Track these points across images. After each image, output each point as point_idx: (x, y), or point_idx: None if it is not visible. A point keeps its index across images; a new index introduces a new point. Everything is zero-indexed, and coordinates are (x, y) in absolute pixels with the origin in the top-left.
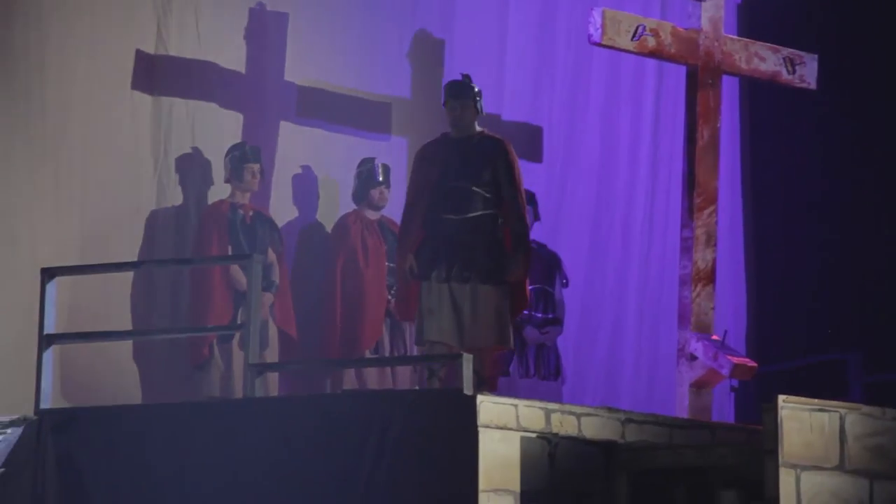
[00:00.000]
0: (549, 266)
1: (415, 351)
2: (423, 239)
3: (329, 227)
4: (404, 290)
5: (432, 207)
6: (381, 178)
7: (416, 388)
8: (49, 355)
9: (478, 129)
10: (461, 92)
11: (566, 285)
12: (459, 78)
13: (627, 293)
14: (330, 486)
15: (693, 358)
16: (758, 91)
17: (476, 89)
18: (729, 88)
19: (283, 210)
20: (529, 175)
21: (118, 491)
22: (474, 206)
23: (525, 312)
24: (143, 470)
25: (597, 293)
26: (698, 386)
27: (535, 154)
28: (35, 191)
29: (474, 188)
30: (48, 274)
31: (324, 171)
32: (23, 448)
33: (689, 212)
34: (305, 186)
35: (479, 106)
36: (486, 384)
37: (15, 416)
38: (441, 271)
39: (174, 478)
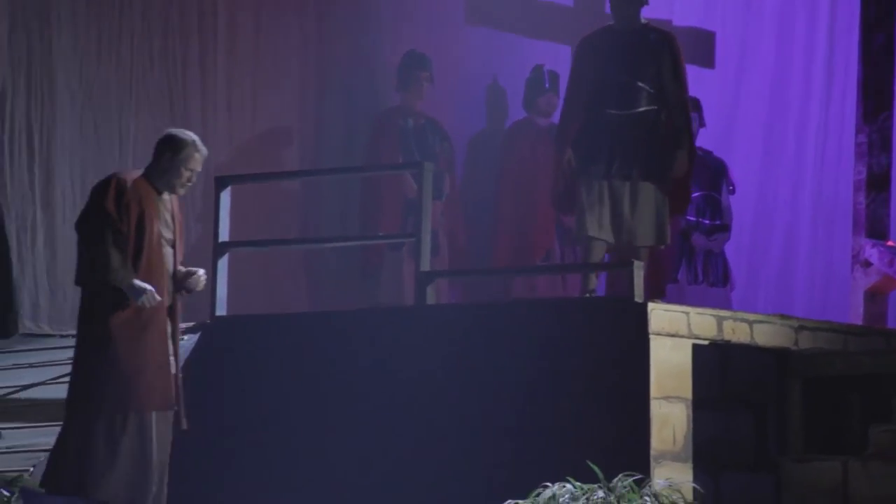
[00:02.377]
0: (715, 173)
1: None
2: (583, 133)
3: (499, 135)
4: (564, 184)
5: (594, 101)
6: (548, 85)
7: (587, 295)
8: (224, 263)
9: (643, 20)
10: None
11: (732, 192)
12: None
13: (801, 200)
14: (500, 394)
15: (867, 264)
16: None
17: None
18: None
19: (453, 118)
20: (701, 81)
21: (288, 397)
22: (638, 102)
23: (692, 219)
24: (313, 377)
25: (769, 200)
26: (873, 292)
27: (707, 59)
28: (208, 101)
29: (639, 83)
30: (221, 183)
31: (492, 77)
32: (199, 354)
33: (864, 117)
34: (475, 94)
35: None
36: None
37: (191, 323)
38: (601, 167)
39: (343, 385)
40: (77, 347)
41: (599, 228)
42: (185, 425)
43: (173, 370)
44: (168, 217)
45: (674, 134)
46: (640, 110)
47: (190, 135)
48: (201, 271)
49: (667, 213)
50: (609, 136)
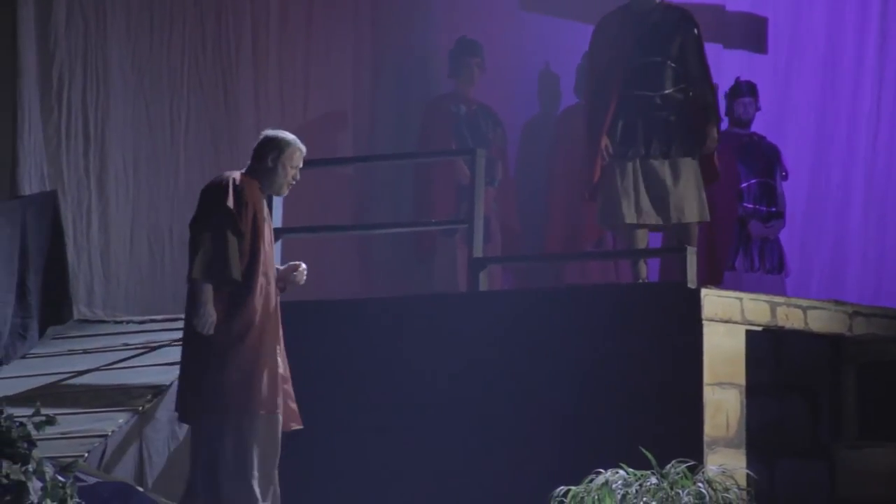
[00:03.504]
0: (770, 159)
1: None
2: (615, 118)
3: (552, 121)
4: (589, 172)
5: (624, 85)
6: None
7: (640, 281)
8: (277, 248)
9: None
10: None
11: (785, 178)
12: None
13: (854, 186)
14: (552, 381)
15: None
16: None
17: None
18: None
19: (506, 104)
20: (754, 66)
21: (339, 383)
22: (668, 82)
23: (750, 207)
24: (365, 363)
25: (822, 186)
26: None
27: (759, 45)
28: (260, 87)
29: (668, 62)
30: None
31: (545, 63)
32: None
33: None
34: (528, 79)
35: None
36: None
37: None
38: (639, 148)
39: (396, 370)
40: (192, 346)
41: (639, 214)
42: (299, 423)
43: (282, 370)
44: (269, 218)
45: (702, 110)
46: (669, 90)
47: (289, 134)
48: (303, 265)
49: (703, 189)
50: (642, 117)
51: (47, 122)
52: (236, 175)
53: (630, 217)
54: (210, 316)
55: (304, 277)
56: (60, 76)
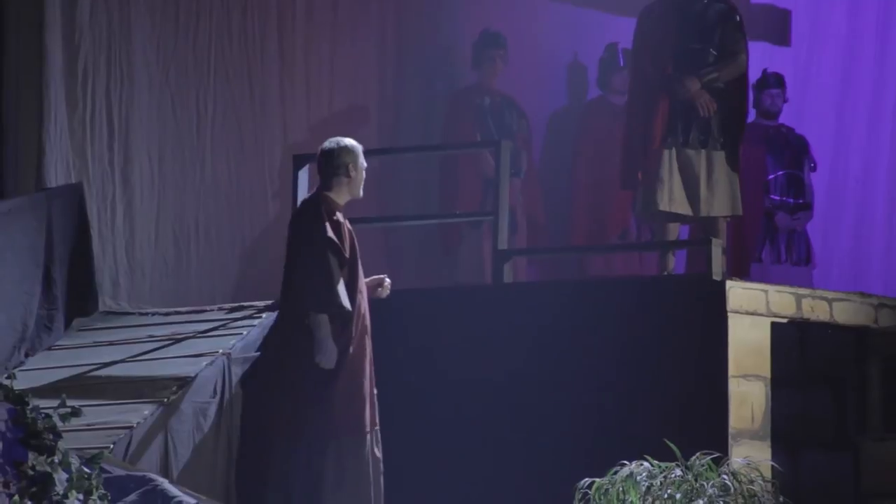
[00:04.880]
0: (797, 151)
1: None
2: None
3: (578, 112)
4: (632, 161)
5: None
6: (623, 64)
7: (665, 273)
8: None
9: None
10: None
11: (814, 169)
12: None
13: (875, 177)
14: (577, 372)
15: None
16: None
17: None
18: None
19: (532, 95)
20: (776, 58)
21: None
22: (708, 69)
23: (777, 198)
24: (391, 355)
25: (842, 177)
26: None
27: (782, 37)
28: (286, 79)
29: (710, 49)
30: (299, 161)
31: (573, 55)
32: (276, 332)
33: None
34: (555, 71)
35: None
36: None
37: (269, 302)
38: (678, 136)
39: (420, 362)
40: (300, 371)
41: (671, 202)
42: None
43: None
44: (352, 230)
45: (739, 102)
46: (713, 77)
47: (344, 139)
48: (387, 280)
49: (738, 183)
50: (684, 104)
51: (72, 114)
52: (322, 198)
53: (663, 204)
54: (334, 350)
55: (388, 292)
56: (85, 68)
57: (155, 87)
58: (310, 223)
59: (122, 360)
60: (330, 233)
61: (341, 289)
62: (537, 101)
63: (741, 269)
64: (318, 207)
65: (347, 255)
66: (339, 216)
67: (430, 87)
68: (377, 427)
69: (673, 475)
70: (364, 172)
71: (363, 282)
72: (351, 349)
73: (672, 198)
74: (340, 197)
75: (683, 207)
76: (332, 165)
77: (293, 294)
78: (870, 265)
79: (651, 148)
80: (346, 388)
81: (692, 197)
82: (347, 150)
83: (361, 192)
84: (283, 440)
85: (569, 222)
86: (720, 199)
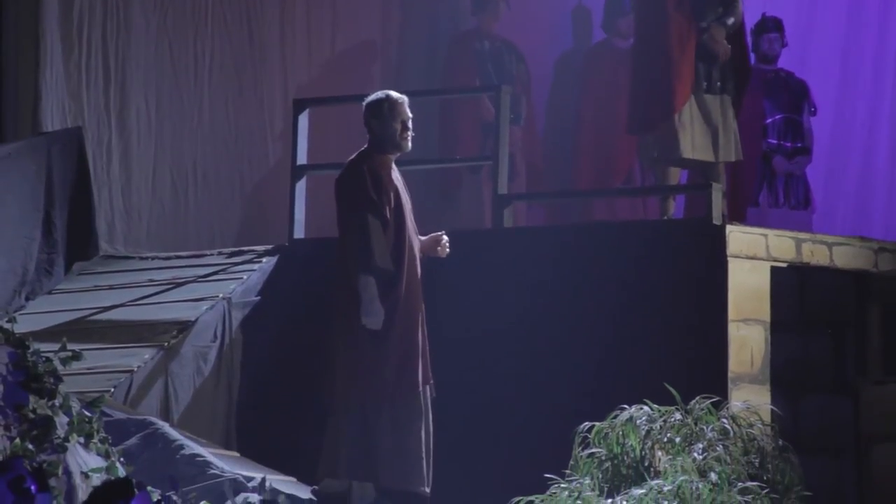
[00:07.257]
0: (797, 95)
1: None
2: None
3: (582, 57)
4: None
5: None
6: (629, 8)
7: (665, 217)
8: (301, 185)
9: None
10: None
11: (814, 114)
12: None
13: (879, 122)
14: (576, 317)
15: None
16: None
17: None
18: None
19: (537, 39)
20: (781, 2)
21: None
22: (722, 13)
23: (774, 142)
24: None
25: (846, 122)
26: None
27: None
28: (287, 21)
29: None
30: (299, 105)
31: None
32: (277, 277)
33: None
34: (560, 15)
35: None
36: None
37: (269, 246)
38: (701, 81)
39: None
40: (349, 336)
41: (693, 149)
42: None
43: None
44: (402, 187)
45: (741, 47)
46: (729, 21)
47: (385, 91)
48: (445, 238)
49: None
50: (702, 49)
51: (68, 59)
52: (366, 159)
53: (686, 151)
54: (381, 311)
55: (448, 250)
56: (81, 13)
57: (152, 31)
58: (350, 184)
59: (123, 305)
60: (372, 193)
61: (382, 249)
62: (543, 45)
63: (737, 213)
64: (360, 166)
65: (391, 215)
66: (386, 173)
67: (434, 29)
68: (431, 381)
69: (672, 419)
70: (408, 126)
71: (415, 240)
72: (400, 308)
73: (695, 144)
74: (386, 152)
75: (706, 154)
76: (376, 119)
77: (340, 256)
78: (873, 210)
79: (680, 93)
80: (397, 348)
81: (713, 142)
82: (387, 105)
83: (409, 145)
84: (336, 404)
85: (572, 166)
86: (732, 145)
